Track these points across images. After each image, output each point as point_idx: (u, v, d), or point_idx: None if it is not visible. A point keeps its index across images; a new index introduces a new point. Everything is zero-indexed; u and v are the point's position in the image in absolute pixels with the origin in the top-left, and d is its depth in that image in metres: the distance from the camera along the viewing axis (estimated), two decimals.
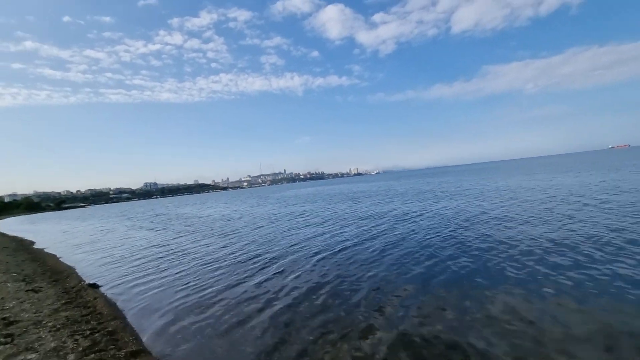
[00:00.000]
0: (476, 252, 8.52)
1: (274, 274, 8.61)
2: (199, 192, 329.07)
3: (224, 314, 6.23)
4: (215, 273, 9.30)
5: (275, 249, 11.79)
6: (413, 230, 12.52)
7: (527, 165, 79.00)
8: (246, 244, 13.32)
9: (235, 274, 8.96)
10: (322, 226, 16.07)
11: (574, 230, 9.61)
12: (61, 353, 4.82)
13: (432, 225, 13.03)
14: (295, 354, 4.53)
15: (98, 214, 64.30)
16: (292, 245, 12.08)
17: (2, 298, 7.83)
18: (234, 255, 11.48)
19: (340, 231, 14.04)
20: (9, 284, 9.29)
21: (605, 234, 8.79)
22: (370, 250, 10.08)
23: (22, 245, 20.29)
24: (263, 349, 4.77)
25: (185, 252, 13.07)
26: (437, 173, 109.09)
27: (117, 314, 6.75)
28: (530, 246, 8.51)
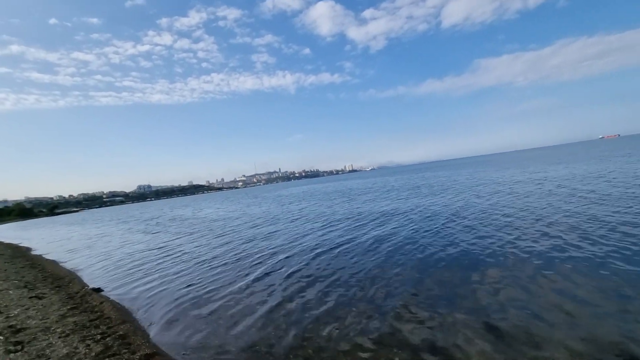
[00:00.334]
0: (473, 243, 8.63)
1: (274, 271, 8.73)
2: (194, 194, 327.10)
3: (231, 312, 6.29)
4: (216, 272, 9.37)
5: (273, 247, 11.86)
6: (408, 224, 12.61)
7: (518, 158, 79.75)
8: (244, 243, 13.37)
9: (235, 273, 9.08)
10: (319, 223, 16.09)
11: (563, 219, 9.75)
12: (75, 359, 4.78)
13: (427, 218, 13.13)
14: (307, 347, 4.56)
15: (92, 218, 63.58)
16: (290, 243, 12.17)
17: (5, 306, 7.72)
18: (232, 254, 11.56)
19: (337, 227, 14.08)
20: (10, 291, 9.16)
21: (589, 222, 8.94)
22: (367, 244, 10.24)
23: (19, 252, 19.99)
24: (273, 344, 4.79)
25: (184, 253, 13.09)
26: (431, 168, 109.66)
27: (125, 317, 6.70)
28: (522, 235, 8.63)
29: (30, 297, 8.43)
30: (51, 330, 6.01)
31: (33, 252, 19.58)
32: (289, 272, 8.42)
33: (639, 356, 3.62)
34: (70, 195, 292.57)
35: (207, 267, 10.21)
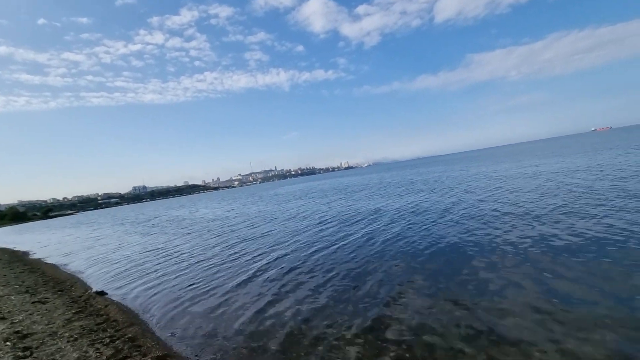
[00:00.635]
0: (467, 238, 8.74)
1: (273, 268, 8.89)
2: (190, 194, 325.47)
3: (235, 310, 6.36)
4: (216, 271, 9.47)
5: (271, 245, 11.97)
6: (402, 220, 12.73)
7: (512, 152, 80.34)
8: (242, 242, 13.46)
9: (235, 271, 9.21)
10: (315, 221, 16.12)
11: (552, 213, 9.88)
12: None
13: (421, 213, 13.22)
14: (317, 345, 4.59)
15: (88, 220, 63.01)
16: (287, 240, 12.27)
17: (9, 311, 7.65)
18: (231, 253, 11.68)
19: (334, 224, 14.13)
20: (12, 297, 9.08)
21: (576, 215, 9.08)
22: (364, 241, 10.39)
23: (16, 257, 19.77)
24: (282, 343, 4.82)
25: (183, 253, 13.13)
26: (426, 163, 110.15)
27: (132, 319, 6.67)
28: (513, 229, 8.73)
29: (33, 302, 8.36)
30: (58, 334, 5.98)
31: (30, 257, 19.40)
32: (289, 269, 8.62)
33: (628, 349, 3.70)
34: (64, 198, 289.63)
35: (206, 266, 10.29)
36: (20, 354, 5.18)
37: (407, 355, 4.15)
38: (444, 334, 4.49)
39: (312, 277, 7.71)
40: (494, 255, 7.26)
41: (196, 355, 4.92)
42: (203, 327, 5.87)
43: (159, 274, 10.20)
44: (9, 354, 5.15)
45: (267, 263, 9.53)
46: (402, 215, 14.15)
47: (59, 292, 9.44)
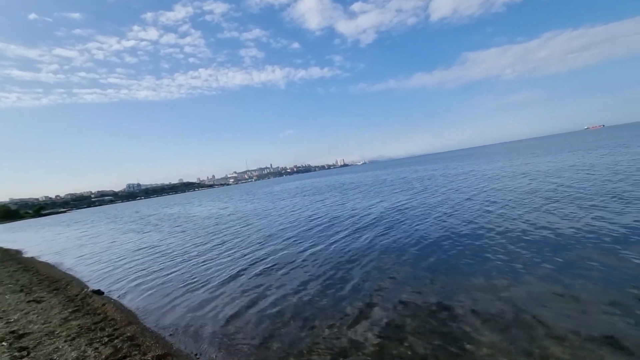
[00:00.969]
0: (464, 238, 8.75)
1: (269, 267, 8.86)
2: (185, 191, 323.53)
3: (235, 308, 6.32)
4: (213, 270, 9.42)
5: (267, 243, 11.96)
6: (401, 219, 12.72)
7: (506, 150, 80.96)
8: (237, 240, 13.43)
9: (231, 269, 9.16)
10: (311, 219, 16.10)
11: (548, 211, 9.99)
12: None
13: (420, 212, 13.24)
14: (309, 343, 4.59)
15: (81, 218, 62.36)
16: (283, 240, 12.21)
17: (4, 311, 7.55)
18: (227, 251, 11.63)
19: (329, 223, 14.13)
20: (7, 296, 8.96)
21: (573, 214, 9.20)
22: (361, 240, 10.32)
23: (9, 255, 19.49)
24: (282, 339, 4.81)
25: (179, 251, 13.09)
26: (421, 161, 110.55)
27: (131, 318, 6.62)
28: (514, 229, 8.81)
29: (29, 301, 8.26)
30: (56, 334, 5.91)
31: (23, 255, 19.15)
32: (284, 265, 8.72)
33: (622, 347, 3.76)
34: (57, 196, 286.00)
35: (202, 264, 10.31)
36: (17, 354, 5.12)
37: (392, 351, 4.17)
38: (427, 330, 4.53)
39: (308, 274, 7.76)
40: (482, 251, 7.32)
41: (197, 354, 4.90)
42: (202, 325, 5.86)
43: (155, 272, 10.15)
44: (6, 354, 5.09)
45: (262, 260, 9.59)
46: (394, 213, 14.19)
47: (55, 291, 9.34)
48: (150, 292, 8.31)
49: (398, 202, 17.58)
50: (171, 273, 9.78)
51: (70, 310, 7.35)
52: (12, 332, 6.09)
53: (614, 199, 10.37)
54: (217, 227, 18.88)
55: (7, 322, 6.68)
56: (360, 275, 7.16)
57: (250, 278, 8.09)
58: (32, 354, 5.10)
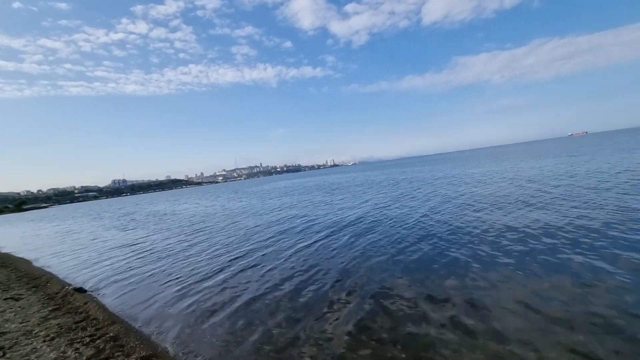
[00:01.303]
0: (448, 238, 8.82)
1: (255, 266, 8.77)
2: (172, 189, 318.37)
3: (220, 308, 6.21)
4: (199, 268, 9.25)
5: (252, 242, 11.83)
6: (387, 219, 12.78)
7: (494, 154, 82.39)
8: (223, 239, 13.29)
9: (220, 269, 8.96)
10: (298, 218, 16.03)
11: (535, 215, 10.15)
12: None
13: (404, 213, 13.29)
14: (287, 342, 4.51)
15: (64, 214, 60.66)
16: (269, 238, 12.14)
17: None
18: (213, 250, 11.42)
19: (316, 223, 14.08)
20: None
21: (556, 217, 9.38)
22: (345, 240, 10.38)
23: None
24: (266, 341, 4.71)
25: (164, 249, 12.82)
26: (411, 163, 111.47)
27: (114, 317, 6.39)
28: (495, 230, 8.91)
29: (6, 299, 7.91)
30: (34, 333, 5.66)
31: (1, 251, 18.44)
32: (270, 266, 8.59)
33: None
34: (39, 191, 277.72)
35: (188, 262, 10.14)
36: None
37: (386, 352, 4.13)
38: (419, 331, 4.50)
39: (293, 272, 7.79)
40: (470, 255, 7.35)
41: (183, 355, 4.74)
42: (188, 324, 5.70)
43: (139, 271, 9.88)
44: None
45: (248, 260, 9.45)
46: (382, 214, 14.17)
47: (34, 289, 8.98)
48: (134, 290, 8.08)
49: (383, 203, 17.61)
50: (156, 271, 9.55)
51: (50, 308, 7.06)
52: None
53: (586, 203, 10.59)
54: (203, 225, 18.62)
55: None
56: (341, 273, 7.28)
57: (237, 278, 7.96)
58: (7, 355, 4.86)
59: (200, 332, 5.37)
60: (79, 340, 5.29)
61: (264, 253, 9.94)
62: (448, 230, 9.82)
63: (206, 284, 7.69)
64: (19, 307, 7.26)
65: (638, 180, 13.75)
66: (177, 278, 8.52)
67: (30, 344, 5.23)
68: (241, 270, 8.43)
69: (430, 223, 11.08)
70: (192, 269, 9.17)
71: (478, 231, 9.29)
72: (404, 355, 4.09)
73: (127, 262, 11.22)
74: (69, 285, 9.10)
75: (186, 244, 13.28)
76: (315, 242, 10.56)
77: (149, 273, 9.43)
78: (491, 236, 8.66)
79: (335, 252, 9.09)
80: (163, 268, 9.79)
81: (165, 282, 8.29)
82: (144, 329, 5.82)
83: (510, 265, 6.48)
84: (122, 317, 6.45)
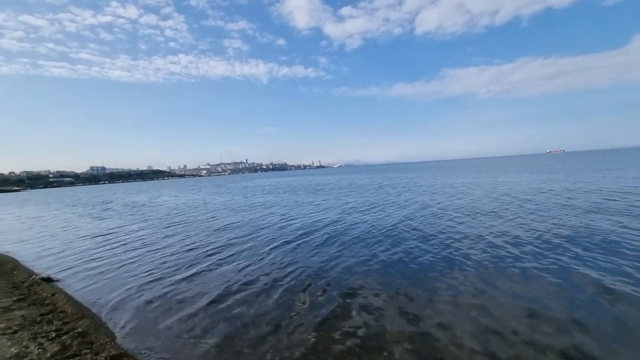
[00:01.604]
0: (420, 245, 8.93)
1: (232, 263, 8.65)
2: (153, 179, 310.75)
3: (195, 305, 6.04)
4: (175, 263, 9.05)
5: (230, 238, 11.75)
6: (368, 222, 12.88)
7: (475, 165, 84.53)
8: (202, 234, 13.13)
9: (196, 264, 8.82)
10: (279, 217, 15.92)
11: (504, 227, 10.42)
12: None
13: (382, 218, 13.35)
14: (259, 342, 4.41)
15: (36, 199, 58.09)
16: (247, 235, 12.09)
17: None
18: (191, 244, 11.27)
19: (296, 222, 14.03)
20: None
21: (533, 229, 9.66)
22: (323, 240, 10.47)
23: None
24: (239, 340, 4.58)
25: (140, 241, 12.49)
26: (395, 169, 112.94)
27: (83, 311, 6.07)
28: (465, 238, 9.09)
29: None
30: None
31: None
32: (247, 263, 8.52)
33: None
34: (11, 173, 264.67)
35: (164, 256, 9.92)
36: None
37: (358, 351, 4.09)
38: (393, 331, 4.49)
39: (268, 272, 7.69)
40: (447, 260, 7.45)
41: (156, 353, 4.54)
42: (162, 321, 5.46)
43: (113, 262, 9.50)
44: None
45: (225, 256, 9.34)
46: (364, 218, 14.18)
47: None
48: (107, 283, 7.71)
49: (365, 207, 17.68)
50: (131, 264, 9.18)
51: (14, 298, 6.66)
52: None
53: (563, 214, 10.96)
54: (183, 218, 18.26)
55: None
56: (316, 272, 7.37)
57: (213, 274, 7.80)
58: None
59: (177, 331, 5.14)
60: (43, 334, 4.99)
61: (242, 251, 9.79)
62: (421, 237, 10.00)
63: (184, 280, 7.47)
64: None
65: (606, 199, 14.33)
66: (154, 273, 8.21)
67: None
68: (220, 268, 8.26)
69: (406, 229, 11.21)
70: (169, 264, 8.92)
71: (450, 240, 9.47)
72: (364, 352, 4.07)
73: (101, 253, 10.77)
74: (36, 274, 8.63)
75: (164, 236, 12.99)
76: (293, 241, 10.59)
77: (124, 265, 9.07)
78: (461, 244, 8.91)
79: (313, 251, 9.14)
80: (139, 261, 9.46)
81: (142, 277, 7.97)
82: (116, 325, 5.54)
83: (473, 270, 6.85)
84: (92, 311, 6.13)
